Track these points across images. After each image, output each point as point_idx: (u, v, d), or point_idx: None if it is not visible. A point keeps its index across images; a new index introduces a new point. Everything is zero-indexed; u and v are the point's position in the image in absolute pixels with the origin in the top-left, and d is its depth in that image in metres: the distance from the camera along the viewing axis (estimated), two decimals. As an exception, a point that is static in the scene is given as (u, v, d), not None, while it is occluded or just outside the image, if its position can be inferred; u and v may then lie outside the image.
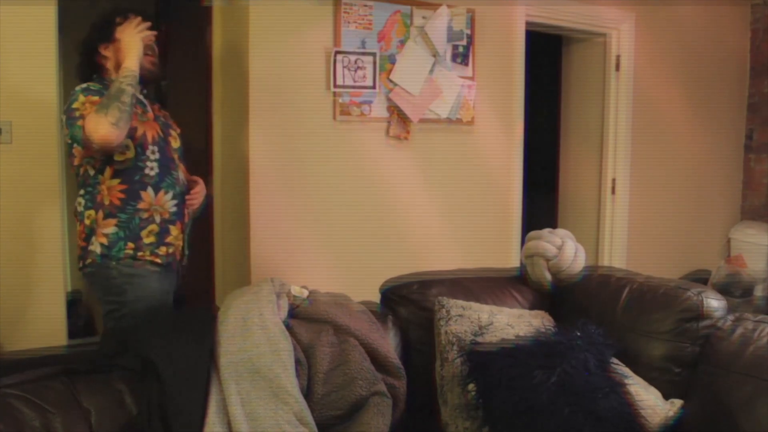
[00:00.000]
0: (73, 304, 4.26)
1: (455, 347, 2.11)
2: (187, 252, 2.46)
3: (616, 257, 4.43)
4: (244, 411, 1.72)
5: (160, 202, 2.30)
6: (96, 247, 2.24)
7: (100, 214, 2.24)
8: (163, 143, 2.34)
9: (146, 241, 2.26)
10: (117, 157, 2.22)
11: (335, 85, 3.34)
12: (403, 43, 3.51)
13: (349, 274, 3.35)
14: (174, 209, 2.34)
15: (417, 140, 3.61)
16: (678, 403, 2.03)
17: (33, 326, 2.75)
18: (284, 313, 2.01)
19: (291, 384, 1.78)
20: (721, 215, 4.97)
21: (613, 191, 4.44)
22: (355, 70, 3.39)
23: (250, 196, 3.21)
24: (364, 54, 3.40)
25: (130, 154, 2.24)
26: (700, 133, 4.78)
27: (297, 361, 1.87)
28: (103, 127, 2.07)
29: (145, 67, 2.29)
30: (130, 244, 2.24)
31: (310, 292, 2.15)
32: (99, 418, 1.63)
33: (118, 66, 2.26)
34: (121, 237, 2.24)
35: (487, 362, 1.99)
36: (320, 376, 1.90)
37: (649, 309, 2.18)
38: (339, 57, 3.34)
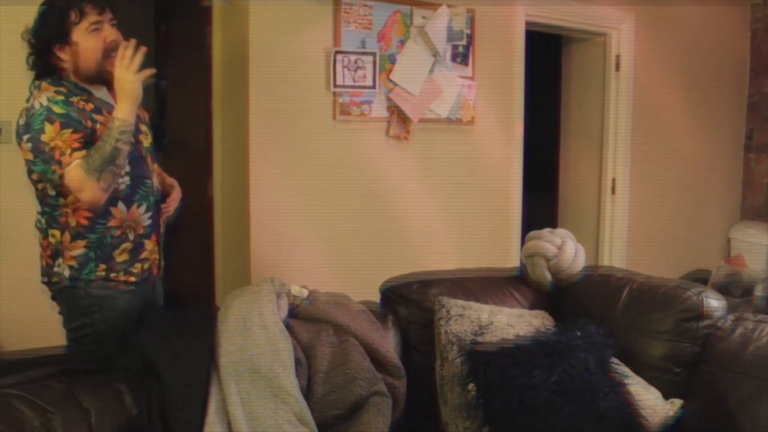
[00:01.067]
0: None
1: (455, 347, 2.11)
2: (162, 264, 2.21)
3: (616, 257, 4.43)
4: (244, 411, 1.72)
5: (134, 216, 2.03)
6: (64, 270, 2.00)
7: (66, 235, 1.98)
8: (134, 150, 2.03)
9: (119, 260, 2.02)
10: None
11: (335, 85, 3.34)
12: (403, 43, 3.51)
13: (349, 274, 3.35)
14: (148, 222, 2.08)
15: (417, 140, 3.61)
16: (678, 403, 2.03)
17: (33, 326, 2.75)
18: (284, 313, 2.01)
19: (291, 384, 1.78)
20: (721, 215, 4.97)
21: (613, 191, 4.44)
22: (355, 70, 3.39)
23: (250, 196, 3.22)
24: (364, 54, 3.40)
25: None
26: (700, 133, 4.78)
27: (297, 361, 1.87)
28: (92, 192, 1.84)
29: (107, 70, 1.96)
30: (102, 266, 2.00)
31: (310, 292, 2.15)
32: (99, 418, 1.63)
33: (76, 70, 1.97)
34: (91, 258, 1.98)
35: (487, 362, 1.98)
36: (320, 376, 1.90)
37: (649, 309, 2.18)
38: (339, 57, 3.34)
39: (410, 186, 3.63)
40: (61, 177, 1.87)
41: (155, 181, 2.15)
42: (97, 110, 1.99)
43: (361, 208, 3.49)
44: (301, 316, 2.05)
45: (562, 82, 4.73)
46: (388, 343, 2.12)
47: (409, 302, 2.31)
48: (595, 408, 1.87)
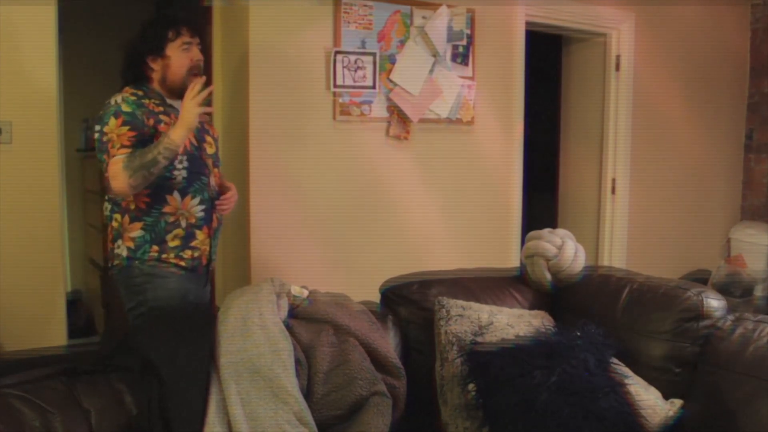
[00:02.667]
0: (73, 304, 4.26)
1: (455, 347, 2.11)
2: (214, 257, 2.44)
3: (616, 257, 4.43)
4: (244, 411, 1.72)
5: (187, 206, 2.28)
6: (122, 250, 2.26)
7: (126, 218, 2.25)
8: (195, 151, 2.32)
9: (171, 244, 2.26)
10: None
11: (335, 85, 3.34)
12: (403, 43, 3.51)
13: (349, 274, 3.35)
14: (201, 214, 2.32)
15: (417, 140, 3.61)
16: (678, 403, 2.03)
17: (33, 326, 2.76)
18: (284, 313, 2.01)
19: (291, 384, 1.78)
20: (721, 215, 4.97)
21: (613, 191, 4.44)
22: (355, 70, 3.39)
23: (250, 196, 3.21)
24: (364, 54, 3.40)
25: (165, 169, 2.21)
26: (700, 133, 4.78)
27: (297, 361, 1.87)
28: (122, 184, 2.11)
29: (188, 85, 2.22)
30: (155, 247, 2.25)
31: (310, 292, 2.15)
32: (99, 418, 1.63)
33: (163, 81, 2.29)
34: (146, 240, 2.24)
35: (487, 362, 1.99)
36: (320, 376, 1.90)
37: (649, 309, 2.18)
38: (339, 57, 3.34)
39: (410, 186, 3.63)
40: (106, 166, 2.15)
41: (212, 181, 2.39)
42: (166, 113, 2.28)
43: (362, 209, 3.49)
44: (301, 316, 2.06)
45: (562, 82, 4.73)
46: (388, 343, 2.12)
47: (409, 302, 2.31)
48: (595, 408, 1.87)
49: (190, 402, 1.72)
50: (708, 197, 4.89)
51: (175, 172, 2.24)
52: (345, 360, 1.94)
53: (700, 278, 4.52)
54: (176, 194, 2.26)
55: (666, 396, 2.05)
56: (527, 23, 3.95)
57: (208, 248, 2.38)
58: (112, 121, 2.16)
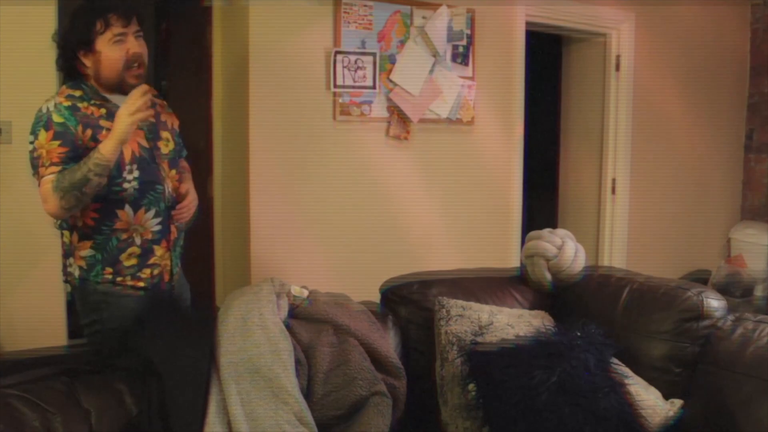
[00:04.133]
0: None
1: (455, 347, 2.11)
2: (175, 271, 2.20)
3: (616, 257, 4.43)
4: (244, 411, 1.72)
5: (141, 220, 2.04)
6: (74, 269, 2.07)
7: (75, 235, 2.04)
8: (147, 155, 2.06)
9: (126, 263, 2.05)
10: None
11: (335, 85, 3.34)
12: (403, 43, 3.51)
13: (349, 274, 3.35)
14: (158, 227, 2.08)
15: (417, 140, 3.61)
16: (678, 403, 2.03)
17: (33, 326, 2.75)
18: (284, 313, 2.00)
19: (291, 384, 1.78)
20: (721, 215, 4.97)
21: (613, 191, 4.44)
22: (355, 70, 3.39)
23: (250, 196, 3.22)
24: (364, 54, 3.40)
25: (101, 186, 1.94)
26: (700, 133, 4.78)
27: (297, 361, 1.87)
28: (53, 207, 1.89)
29: (128, 82, 2.01)
30: (108, 269, 2.03)
31: (310, 292, 2.15)
32: (99, 418, 1.63)
33: (99, 77, 2.02)
34: (98, 260, 2.03)
35: (487, 362, 1.98)
36: (320, 376, 1.90)
37: (649, 309, 2.18)
38: (339, 57, 3.34)
39: (410, 186, 3.63)
40: (37, 181, 1.93)
41: (168, 188, 2.12)
42: (108, 116, 2.00)
43: (361, 209, 3.49)
44: (301, 317, 2.05)
45: (562, 82, 4.73)
46: (388, 343, 2.12)
47: (409, 302, 2.31)
48: (595, 408, 1.87)
49: (190, 402, 1.72)
50: (708, 197, 4.89)
51: (125, 185, 1.99)
52: (345, 360, 1.94)
53: (700, 278, 4.52)
54: (128, 208, 2.02)
55: (666, 396, 2.05)
56: (527, 23, 3.95)
57: (169, 263, 2.15)
58: (42, 135, 1.92)
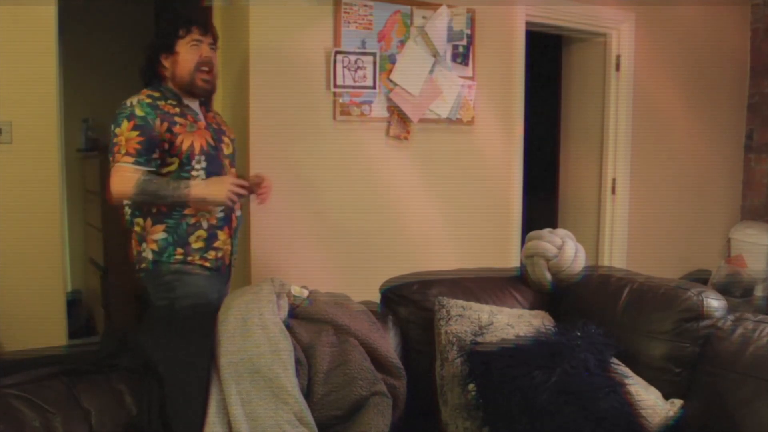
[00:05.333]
0: (73, 304, 4.27)
1: (455, 347, 2.11)
2: (235, 255, 2.51)
3: (616, 257, 4.43)
4: (244, 411, 1.72)
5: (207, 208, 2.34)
6: (148, 254, 2.31)
7: (149, 221, 2.30)
8: (213, 152, 2.38)
9: (195, 246, 2.32)
10: (161, 170, 2.28)
11: (335, 85, 3.34)
12: (403, 43, 3.51)
13: (349, 274, 3.35)
14: (221, 215, 2.38)
15: (417, 140, 3.61)
16: (678, 403, 2.03)
17: (33, 326, 2.76)
18: (284, 313, 2.01)
19: (291, 384, 1.78)
20: (721, 215, 4.97)
21: (613, 191, 4.44)
22: (355, 70, 3.39)
23: (250, 196, 3.21)
24: (364, 54, 3.40)
25: (173, 167, 2.29)
26: (700, 133, 4.78)
27: (297, 361, 1.87)
28: (123, 194, 2.21)
29: (197, 84, 2.34)
30: (180, 250, 2.30)
31: (310, 292, 2.15)
32: (99, 418, 1.63)
33: (174, 77, 2.34)
34: (170, 242, 2.29)
35: (487, 362, 1.98)
36: (320, 376, 1.90)
37: (649, 309, 2.18)
38: (339, 57, 3.34)
39: (410, 186, 3.63)
40: (111, 169, 2.21)
41: None
42: (182, 114, 2.32)
43: (361, 209, 3.49)
44: (301, 317, 2.06)
45: (562, 82, 4.73)
46: (388, 343, 2.12)
47: (409, 302, 2.31)
48: (595, 408, 1.87)
49: (190, 402, 1.72)
50: (708, 197, 4.89)
51: (194, 173, 2.30)
52: (345, 360, 1.94)
53: (700, 278, 4.52)
54: None
55: (666, 396, 2.05)
56: (527, 23, 3.94)
57: (230, 248, 2.45)
58: (125, 124, 2.21)
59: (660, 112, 4.57)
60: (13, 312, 2.70)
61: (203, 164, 2.33)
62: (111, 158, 2.24)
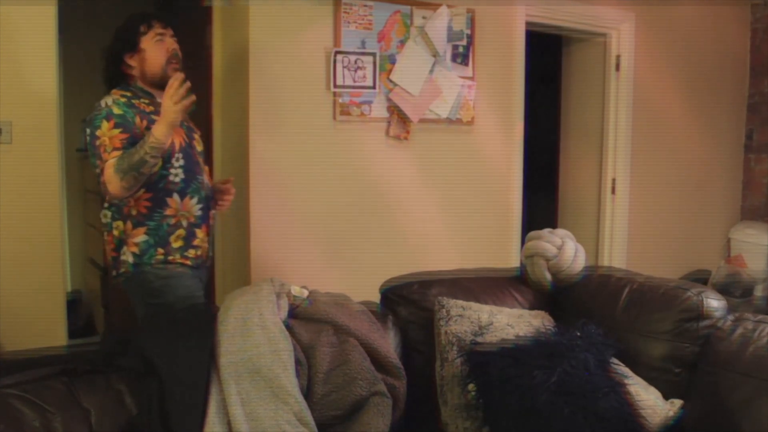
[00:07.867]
0: (73, 304, 4.27)
1: (455, 347, 2.11)
2: (211, 253, 2.51)
3: (616, 257, 4.43)
4: (244, 411, 1.72)
5: (187, 207, 2.34)
6: (128, 257, 2.29)
7: (129, 224, 2.28)
8: (188, 149, 2.37)
9: (175, 245, 2.31)
10: None
11: (335, 85, 3.34)
12: (403, 43, 3.51)
13: (349, 274, 3.35)
14: (199, 213, 2.38)
15: (417, 140, 3.61)
16: (678, 403, 2.03)
17: (33, 326, 2.75)
18: (284, 313, 2.01)
19: (291, 384, 1.78)
20: (721, 215, 4.97)
21: (613, 191, 4.44)
22: (355, 70, 3.39)
23: (250, 196, 3.22)
24: (364, 54, 3.40)
25: (156, 167, 2.24)
26: (700, 133, 4.78)
27: (297, 361, 1.87)
28: (115, 187, 2.13)
29: (169, 75, 2.23)
30: (160, 250, 2.29)
31: (310, 292, 2.15)
32: (99, 418, 1.63)
33: (143, 75, 2.32)
34: (151, 244, 2.28)
35: (487, 362, 1.98)
36: (320, 376, 1.89)
37: (649, 309, 2.18)
38: (339, 57, 3.34)
39: (410, 186, 3.63)
40: (101, 171, 2.16)
41: (206, 179, 2.45)
42: (157, 113, 2.22)
43: (362, 209, 3.49)
44: (301, 317, 2.05)
45: (562, 82, 4.73)
46: (388, 343, 2.12)
47: (409, 302, 2.31)
48: (595, 408, 1.87)
49: (190, 402, 1.72)
50: (708, 197, 4.89)
51: (172, 171, 2.29)
52: (345, 360, 1.94)
53: (700, 278, 4.52)
54: (176, 196, 2.31)
55: (666, 396, 2.05)
56: (527, 23, 3.95)
57: (207, 246, 2.45)
58: (104, 125, 2.18)
59: (660, 112, 4.57)
60: (13, 312, 2.70)
61: (181, 162, 2.31)
62: (98, 162, 2.18)
